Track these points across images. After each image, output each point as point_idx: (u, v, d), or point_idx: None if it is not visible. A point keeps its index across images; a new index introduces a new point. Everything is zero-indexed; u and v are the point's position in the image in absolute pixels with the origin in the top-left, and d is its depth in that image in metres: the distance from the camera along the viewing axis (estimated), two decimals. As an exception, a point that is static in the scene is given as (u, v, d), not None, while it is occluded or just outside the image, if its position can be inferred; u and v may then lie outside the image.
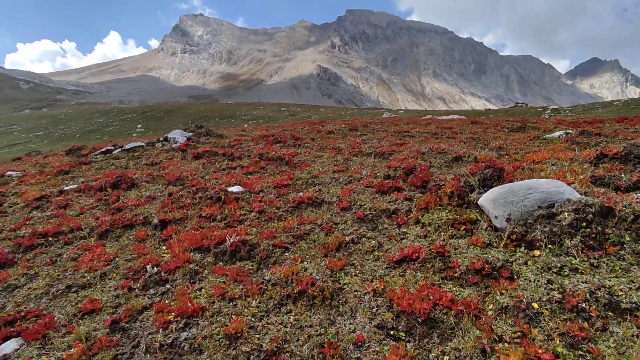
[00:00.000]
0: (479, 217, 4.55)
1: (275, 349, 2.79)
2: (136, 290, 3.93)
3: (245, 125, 63.04)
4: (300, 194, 6.00)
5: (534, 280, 3.32)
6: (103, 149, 10.99)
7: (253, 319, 3.19)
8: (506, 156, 7.63)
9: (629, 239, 3.57)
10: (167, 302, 3.58)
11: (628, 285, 3.03)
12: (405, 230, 4.75)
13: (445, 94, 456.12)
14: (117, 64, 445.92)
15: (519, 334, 2.72)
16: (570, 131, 9.51)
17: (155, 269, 4.30)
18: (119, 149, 10.97)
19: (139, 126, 69.63)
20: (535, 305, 2.99)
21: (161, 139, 11.77)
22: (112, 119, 78.20)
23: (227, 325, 3.08)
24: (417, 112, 69.19)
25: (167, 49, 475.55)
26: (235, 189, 6.61)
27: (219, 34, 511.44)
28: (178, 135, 11.71)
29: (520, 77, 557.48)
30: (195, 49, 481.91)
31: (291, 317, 3.22)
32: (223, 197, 6.10)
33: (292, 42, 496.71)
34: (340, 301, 3.37)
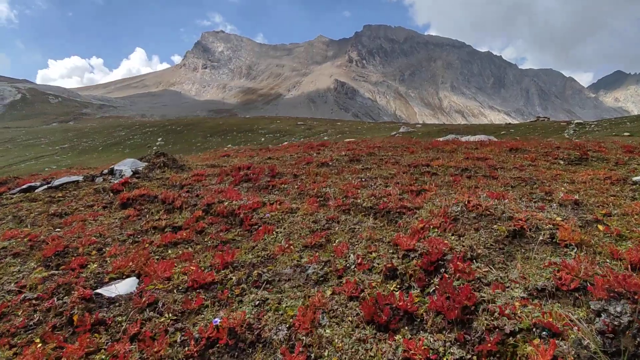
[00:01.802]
0: None
1: None
2: None
3: (262, 139, 61.07)
4: (217, 320, 3.05)
5: None
6: (25, 186, 8.45)
7: None
8: (598, 226, 4.48)
9: None
10: None
11: None
12: None
13: (464, 108, 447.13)
14: (141, 79, 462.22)
15: None
16: (680, 173, 6.26)
17: None
18: (46, 186, 8.41)
19: (159, 139, 68.94)
20: None
21: (106, 171, 9.17)
22: (133, 133, 78.47)
23: None
24: (435, 125, 65.64)
25: (189, 64, 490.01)
26: (123, 287, 3.75)
27: (239, 50, 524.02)
28: (127, 167, 9.09)
29: (541, 91, 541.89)
30: (216, 64, 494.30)
31: None
32: (76, 318, 3.24)
33: (310, 57, 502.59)
34: None
